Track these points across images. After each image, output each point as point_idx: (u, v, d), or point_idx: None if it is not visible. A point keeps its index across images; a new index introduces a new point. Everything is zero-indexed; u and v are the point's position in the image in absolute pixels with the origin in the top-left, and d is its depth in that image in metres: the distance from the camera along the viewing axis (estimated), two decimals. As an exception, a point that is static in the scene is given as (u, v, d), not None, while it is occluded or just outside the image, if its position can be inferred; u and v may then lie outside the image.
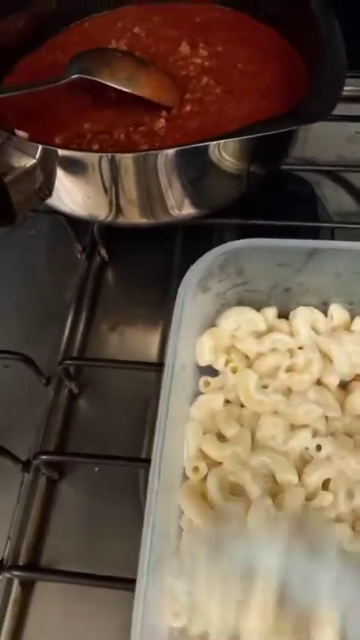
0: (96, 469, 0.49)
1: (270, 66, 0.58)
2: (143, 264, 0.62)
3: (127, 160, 0.45)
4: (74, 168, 0.46)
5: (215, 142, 0.44)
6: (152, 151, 0.45)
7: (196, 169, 0.47)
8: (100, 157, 0.44)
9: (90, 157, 0.45)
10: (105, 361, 0.53)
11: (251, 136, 0.43)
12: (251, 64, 0.58)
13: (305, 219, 0.58)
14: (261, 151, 0.49)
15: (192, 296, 0.39)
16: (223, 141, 0.44)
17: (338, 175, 0.67)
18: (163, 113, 0.53)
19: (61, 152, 0.45)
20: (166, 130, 0.52)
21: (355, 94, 0.71)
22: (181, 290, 0.38)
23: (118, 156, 0.44)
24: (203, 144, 0.44)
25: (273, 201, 0.61)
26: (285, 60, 0.58)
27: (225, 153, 0.46)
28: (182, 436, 0.40)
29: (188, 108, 0.53)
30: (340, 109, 0.67)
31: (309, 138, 0.69)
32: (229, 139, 0.44)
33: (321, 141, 0.70)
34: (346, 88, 0.70)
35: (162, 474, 0.34)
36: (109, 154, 0.44)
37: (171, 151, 0.44)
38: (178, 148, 0.44)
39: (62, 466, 0.49)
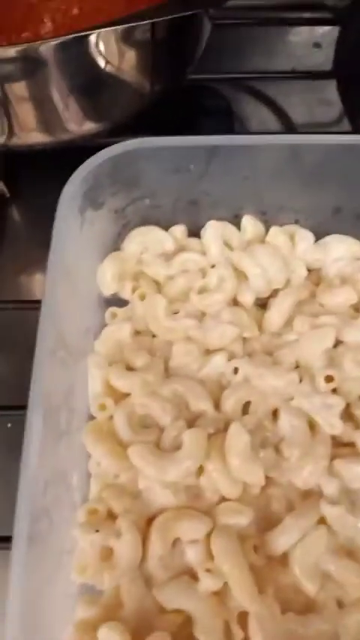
0: (9, 425, 0.45)
1: None
2: (50, 198, 0.55)
3: (8, 53, 0.38)
4: None
5: (97, 31, 0.37)
6: (33, 44, 0.38)
7: (83, 69, 0.40)
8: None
9: None
10: (3, 302, 0.47)
11: (139, 23, 0.37)
12: None
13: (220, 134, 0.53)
14: (160, 50, 0.43)
15: (79, 212, 0.34)
16: (108, 29, 0.37)
17: (256, 90, 0.62)
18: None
19: None
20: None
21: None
22: (61, 203, 0.33)
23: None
24: (86, 32, 0.37)
25: (184, 118, 0.56)
26: None
27: (114, 48, 0.40)
28: (84, 375, 0.36)
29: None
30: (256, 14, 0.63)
31: (221, 50, 0.64)
32: (113, 28, 0.38)
33: (236, 53, 0.65)
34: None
35: (53, 413, 0.30)
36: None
37: (52, 43, 0.37)
38: (60, 40, 0.37)
39: None
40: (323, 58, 0.64)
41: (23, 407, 0.42)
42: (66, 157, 0.50)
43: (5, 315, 0.49)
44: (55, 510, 0.29)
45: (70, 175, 0.56)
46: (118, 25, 0.38)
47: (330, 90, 0.61)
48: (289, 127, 0.60)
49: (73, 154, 0.50)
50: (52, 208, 0.55)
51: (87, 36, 0.38)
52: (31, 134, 0.46)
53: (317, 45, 0.65)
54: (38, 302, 0.47)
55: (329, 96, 0.61)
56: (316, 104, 0.61)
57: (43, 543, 0.27)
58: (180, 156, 0.35)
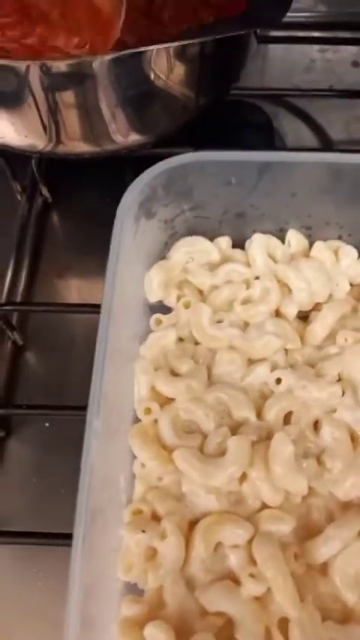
0: (47, 424, 0.46)
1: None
2: (90, 204, 0.57)
3: (61, 67, 0.39)
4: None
5: (151, 48, 0.39)
6: (87, 58, 0.39)
7: (135, 82, 0.42)
8: (29, 66, 0.39)
9: (16, 66, 0.39)
10: (49, 305, 0.48)
11: (195, 41, 0.39)
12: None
13: (260, 148, 0.54)
14: (208, 66, 0.45)
15: (134, 220, 0.35)
16: (162, 46, 0.39)
17: (296, 106, 0.63)
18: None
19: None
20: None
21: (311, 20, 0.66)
22: (119, 212, 0.34)
23: (49, 63, 0.39)
24: (142, 49, 0.39)
25: (227, 132, 0.57)
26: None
27: (167, 63, 0.41)
28: (132, 379, 0.37)
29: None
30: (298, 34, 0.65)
31: (265, 66, 0.65)
32: (165, 45, 0.39)
33: (277, 69, 0.66)
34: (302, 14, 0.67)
35: (107, 415, 0.31)
36: (40, 62, 0.39)
37: (107, 58, 0.38)
38: (114, 55, 0.39)
39: (9, 422, 0.45)
40: (361, 76, 0.65)
41: (61, 407, 0.44)
42: (106, 164, 0.52)
43: (44, 318, 0.50)
44: (106, 510, 0.30)
45: (106, 184, 0.58)
46: (172, 42, 0.39)
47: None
48: (327, 143, 0.61)
49: (114, 162, 0.52)
50: (88, 215, 0.57)
51: (140, 53, 0.39)
52: (77, 143, 0.47)
53: (356, 64, 0.66)
54: (76, 305, 0.49)
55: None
56: (354, 121, 0.62)
57: (96, 540, 0.28)
58: (231, 170, 0.36)
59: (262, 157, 0.35)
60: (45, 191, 0.56)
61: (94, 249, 0.54)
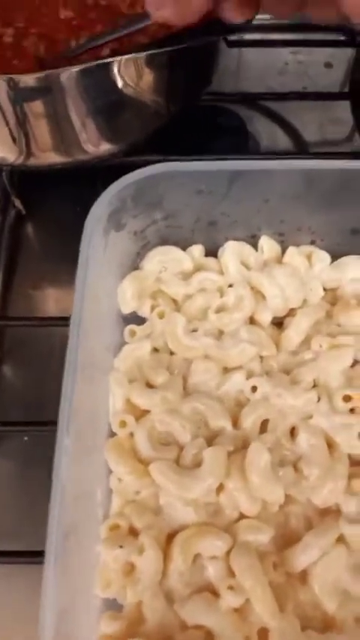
0: (25, 438, 0.45)
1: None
2: (64, 215, 0.56)
3: (28, 81, 0.39)
4: None
5: (119, 58, 0.38)
6: (54, 70, 0.39)
7: (104, 93, 0.42)
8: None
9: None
10: (27, 319, 0.48)
11: (162, 50, 0.38)
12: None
13: (235, 154, 0.54)
14: (177, 73, 0.45)
15: (103, 233, 0.35)
16: (128, 56, 0.38)
17: (269, 109, 0.63)
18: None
19: None
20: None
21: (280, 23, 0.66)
22: (87, 225, 0.33)
23: (17, 78, 0.39)
24: (106, 60, 0.39)
25: (200, 138, 0.57)
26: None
27: (133, 73, 0.41)
28: (106, 392, 0.37)
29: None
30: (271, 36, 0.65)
31: (239, 69, 0.65)
32: (133, 55, 0.39)
33: (251, 72, 0.66)
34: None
35: (80, 430, 0.31)
36: (6, 76, 0.38)
37: (75, 69, 0.38)
38: (83, 66, 0.39)
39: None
40: (334, 78, 0.66)
41: (39, 423, 0.43)
42: (79, 174, 0.52)
43: (19, 332, 0.50)
44: (81, 526, 0.30)
45: (79, 195, 0.57)
46: (138, 52, 0.39)
47: (340, 109, 0.62)
48: (301, 145, 0.61)
49: (86, 172, 0.51)
50: (63, 226, 0.56)
51: (108, 63, 0.39)
52: (49, 154, 0.47)
53: (328, 65, 0.67)
54: (52, 319, 0.49)
55: (339, 114, 0.62)
56: (327, 122, 0.62)
57: (71, 558, 0.28)
58: (201, 179, 0.36)
59: (232, 166, 0.35)
60: (18, 203, 0.55)
61: (69, 259, 0.53)
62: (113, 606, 0.32)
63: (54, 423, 0.39)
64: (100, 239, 0.34)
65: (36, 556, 0.35)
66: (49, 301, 0.53)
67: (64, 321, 0.44)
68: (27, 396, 0.47)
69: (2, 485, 0.44)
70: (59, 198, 0.56)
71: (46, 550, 0.26)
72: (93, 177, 0.55)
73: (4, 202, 0.56)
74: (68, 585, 0.28)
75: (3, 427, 0.44)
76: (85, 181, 0.55)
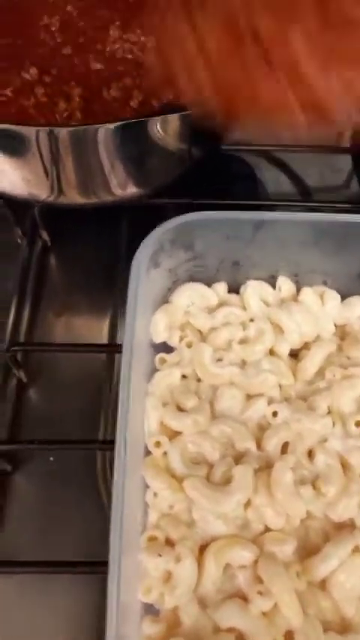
0: (51, 458, 0.48)
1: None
2: (88, 248, 0.61)
3: (66, 134, 0.43)
4: (8, 142, 0.44)
5: (155, 118, 0.43)
6: (92, 125, 0.44)
7: (136, 146, 0.46)
8: (38, 131, 0.43)
9: (26, 131, 0.43)
10: (55, 345, 0.52)
11: (184, 113, 0.43)
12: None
13: (247, 198, 0.59)
14: (200, 127, 0.49)
15: (145, 271, 0.39)
16: (162, 117, 0.43)
17: (276, 158, 0.69)
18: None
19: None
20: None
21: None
22: (134, 264, 0.38)
23: (57, 130, 0.43)
24: (143, 119, 0.43)
25: (216, 182, 0.62)
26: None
27: (165, 129, 0.46)
28: (141, 415, 0.40)
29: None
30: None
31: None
32: (169, 115, 0.44)
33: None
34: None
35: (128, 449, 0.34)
36: (48, 128, 0.43)
37: (111, 126, 0.43)
38: (118, 123, 0.43)
39: (15, 457, 0.48)
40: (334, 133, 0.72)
41: (64, 442, 0.46)
42: (102, 212, 0.56)
43: (45, 357, 0.53)
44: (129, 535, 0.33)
45: (101, 228, 0.62)
46: (165, 114, 0.44)
47: (338, 158, 0.69)
48: (304, 190, 0.67)
49: (110, 210, 0.56)
50: (85, 257, 0.61)
51: (144, 121, 0.44)
52: (78, 194, 0.51)
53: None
54: (75, 345, 0.53)
55: (338, 163, 0.69)
56: (328, 171, 0.69)
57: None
58: (230, 226, 0.41)
59: (257, 216, 0.40)
60: (45, 235, 0.60)
61: (91, 289, 0.59)
62: (150, 611, 0.35)
63: (77, 442, 0.43)
64: (144, 277, 0.38)
65: (64, 566, 0.39)
66: (72, 328, 0.57)
67: (86, 347, 0.49)
68: (52, 416, 0.51)
69: (29, 502, 0.47)
70: (84, 233, 0.61)
71: (110, 558, 0.29)
72: (116, 216, 0.60)
73: (31, 234, 0.60)
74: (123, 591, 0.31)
75: (32, 445, 0.47)
76: (108, 219, 0.60)
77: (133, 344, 0.36)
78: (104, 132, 0.44)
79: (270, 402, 0.41)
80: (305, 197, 0.66)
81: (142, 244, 0.38)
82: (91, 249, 0.60)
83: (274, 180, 0.67)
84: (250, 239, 0.42)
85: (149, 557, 0.34)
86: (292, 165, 0.68)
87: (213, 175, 0.62)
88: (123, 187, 0.51)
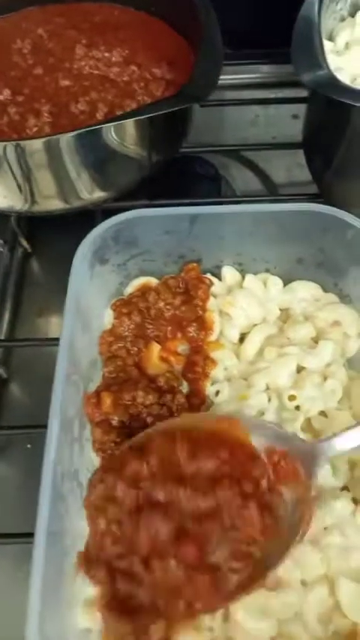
0: (28, 446, 0.52)
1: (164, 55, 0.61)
2: (65, 252, 0.64)
3: (32, 145, 0.48)
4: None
5: (109, 125, 0.47)
6: (54, 136, 0.48)
7: (96, 152, 0.50)
8: (5, 146, 0.47)
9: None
10: (31, 340, 0.56)
11: (138, 118, 0.47)
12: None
13: (209, 196, 0.63)
14: (156, 132, 0.53)
15: (89, 266, 0.43)
16: (114, 123, 0.47)
17: (243, 157, 0.72)
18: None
19: None
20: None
21: (251, 81, 0.76)
22: (75, 262, 0.42)
23: (23, 143, 0.47)
24: (97, 126, 0.47)
25: (181, 183, 0.65)
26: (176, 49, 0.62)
27: (121, 135, 0.49)
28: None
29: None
30: (244, 94, 0.74)
31: (213, 123, 0.74)
32: (119, 122, 0.47)
33: (226, 125, 0.75)
34: (247, 75, 0.77)
35: (67, 424, 0.38)
36: (14, 142, 0.47)
37: (69, 135, 0.47)
38: (75, 132, 0.47)
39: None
40: (301, 127, 0.75)
41: (40, 426, 0.50)
42: (77, 217, 0.60)
43: (25, 351, 0.58)
44: (69, 499, 0.37)
45: (79, 234, 0.66)
46: (123, 119, 0.48)
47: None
48: (271, 187, 0.70)
49: (83, 215, 0.60)
50: (64, 261, 0.64)
51: (98, 129, 0.48)
52: (50, 202, 0.55)
53: (295, 116, 0.75)
54: (54, 339, 0.56)
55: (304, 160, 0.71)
56: (294, 167, 0.71)
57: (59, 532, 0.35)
58: (169, 221, 0.45)
59: (190, 211, 0.44)
60: (24, 243, 0.64)
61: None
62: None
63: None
64: (86, 272, 0.42)
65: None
66: (52, 326, 0.61)
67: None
68: (30, 405, 0.55)
69: (6, 487, 0.51)
70: (61, 238, 0.65)
71: (38, 514, 0.33)
72: (91, 220, 0.64)
73: (12, 242, 0.65)
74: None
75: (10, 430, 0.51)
76: (83, 223, 0.64)
77: (74, 333, 0.40)
78: (65, 141, 0.48)
79: (213, 382, 0.44)
80: (273, 194, 0.69)
81: (81, 243, 0.42)
82: (69, 252, 0.64)
83: (242, 178, 0.70)
84: (187, 233, 0.45)
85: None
86: (260, 163, 0.71)
87: (178, 177, 0.65)
88: (90, 192, 0.55)
